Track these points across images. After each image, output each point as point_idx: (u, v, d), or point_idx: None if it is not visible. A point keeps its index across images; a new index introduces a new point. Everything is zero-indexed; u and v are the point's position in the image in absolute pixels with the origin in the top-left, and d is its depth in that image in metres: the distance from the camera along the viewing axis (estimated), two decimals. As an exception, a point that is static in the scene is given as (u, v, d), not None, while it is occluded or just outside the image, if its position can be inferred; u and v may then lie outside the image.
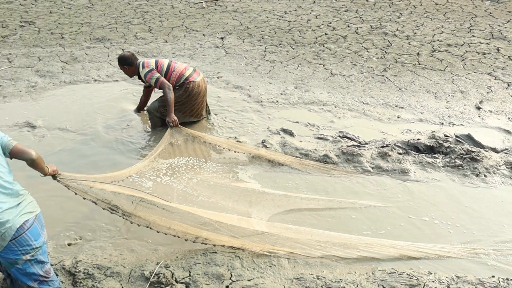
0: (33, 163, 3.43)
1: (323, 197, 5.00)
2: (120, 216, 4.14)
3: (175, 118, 5.77)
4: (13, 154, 3.36)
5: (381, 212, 4.74)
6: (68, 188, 4.01)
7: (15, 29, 11.16)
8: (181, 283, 3.78)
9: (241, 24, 10.18)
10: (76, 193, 4.04)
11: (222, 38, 9.40)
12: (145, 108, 6.59)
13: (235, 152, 5.65)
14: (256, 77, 7.68)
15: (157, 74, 5.91)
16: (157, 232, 4.16)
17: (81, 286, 3.79)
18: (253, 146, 5.79)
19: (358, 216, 4.73)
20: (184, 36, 9.67)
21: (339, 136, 5.96)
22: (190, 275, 3.85)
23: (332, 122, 6.42)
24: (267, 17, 10.70)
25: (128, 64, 6.06)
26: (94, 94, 7.48)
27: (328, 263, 4.02)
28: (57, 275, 3.71)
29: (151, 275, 3.83)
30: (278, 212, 4.76)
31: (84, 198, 4.07)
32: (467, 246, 4.24)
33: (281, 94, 7.13)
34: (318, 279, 3.80)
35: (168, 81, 5.98)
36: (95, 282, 3.81)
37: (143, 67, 5.99)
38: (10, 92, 7.77)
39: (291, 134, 6.02)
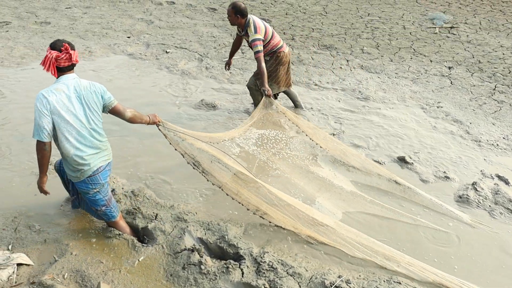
0: (130, 121, 4.25)
1: (386, 205, 5.04)
2: (199, 173, 4.67)
3: (269, 88, 6.28)
4: (112, 112, 4.13)
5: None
6: (166, 138, 4.61)
7: (253, 24, 12.03)
8: (359, 302, 3.74)
9: (473, 57, 9.64)
10: (170, 143, 4.62)
11: (449, 68, 9.01)
12: (246, 85, 7.11)
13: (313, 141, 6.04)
14: (478, 115, 7.21)
15: (261, 47, 6.39)
16: (226, 195, 4.64)
17: (263, 276, 3.92)
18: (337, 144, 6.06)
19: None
20: (411, 58, 9.47)
21: None
22: (369, 297, 3.79)
23: (558, 182, 5.76)
24: (503, 54, 9.96)
25: (242, 16, 6.43)
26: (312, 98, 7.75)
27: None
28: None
29: (331, 286, 3.82)
30: (341, 208, 4.99)
31: (176, 149, 4.63)
32: None
33: (504, 138, 6.59)
34: None
35: (268, 46, 6.59)
36: (277, 277, 3.90)
37: (255, 31, 6.41)
38: (237, 80, 8.42)
39: (506, 182, 5.53)
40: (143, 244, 4.29)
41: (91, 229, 4.48)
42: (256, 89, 6.80)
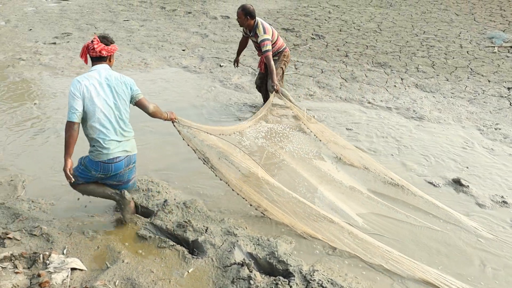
0: (151, 114, 4.58)
1: (382, 201, 5.28)
2: (209, 168, 5.04)
3: (277, 83, 6.75)
4: (137, 104, 4.48)
5: None
6: (180, 133, 4.96)
7: (306, 40, 12.07)
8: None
9: (534, 78, 9.34)
10: (183, 139, 4.98)
11: (508, 89, 8.72)
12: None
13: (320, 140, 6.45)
14: (539, 138, 6.96)
15: (270, 46, 6.81)
16: (232, 190, 5.04)
17: (312, 295, 3.91)
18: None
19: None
20: (467, 78, 9.24)
21: None
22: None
23: None
24: None
25: (251, 17, 6.82)
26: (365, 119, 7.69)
27: None
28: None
29: (381, 309, 3.78)
30: (341, 200, 5.27)
31: (188, 145, 5.02)
32: None
33: None
34: None
35: (274, 47, 7.04)
36: (326, 297, 3.88)
37: (264, 31, 6.84)
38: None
39: None
40: (193, 256, 4.32)
41: (144, 238, 4.55)
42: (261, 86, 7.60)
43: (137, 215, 4.96)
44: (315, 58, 10.56)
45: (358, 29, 13.08)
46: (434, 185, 5.66)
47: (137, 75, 9.65)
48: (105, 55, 4.35)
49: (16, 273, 3.99)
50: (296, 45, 11.57)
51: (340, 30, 12.98)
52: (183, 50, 11.44)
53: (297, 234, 4.69)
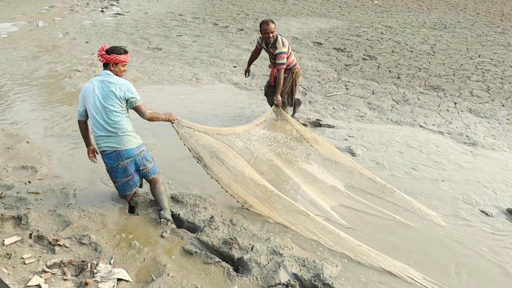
0: (149, 120, 4.98)
1: (360, 199, 5.64)
2: (202, 166, 5.41)
3: (280, 98, 7.23)
4: (134, 109, 4.91)
5: None
6: (177, 134, 5.30)
7: (357, 61, 12.00)
8: None
9: None
10: (180, 139, 5.31)
11: None
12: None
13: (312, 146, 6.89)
14: None
15: (285, 60, 7.25)
16: (221, 188, 5.41)
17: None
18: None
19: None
20: (525, 104, 8.96)
21: None
22: None
23: None
24: None
25: (275, 28, 7.18)
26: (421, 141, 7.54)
27: None
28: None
29: None
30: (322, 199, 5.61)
31: (184, 144, 5.35)
32: None
33: None
34: None
35: (287, 61, 7.33)
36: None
37: (283, 44, 7.22)
38: (340, 116, 8.37)
39: None
40: (237, 274, 4.31)
41: (189, 253, 4.56)
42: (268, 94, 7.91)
43: (184, 229, 5.00)
44: (367, 79, 10.48)
45: (411, 51, 12.92)
46: (487, 214, 5.47)
47: (188, 90, 9.80)
48: (102, 61, 4.95)
49: (65, 280, 4.08)
50: (347, 65, 11.52)
51: (393, 52, 12.85)
52: (235, 66, 11.56)
53: (343, 257, 4.60)
